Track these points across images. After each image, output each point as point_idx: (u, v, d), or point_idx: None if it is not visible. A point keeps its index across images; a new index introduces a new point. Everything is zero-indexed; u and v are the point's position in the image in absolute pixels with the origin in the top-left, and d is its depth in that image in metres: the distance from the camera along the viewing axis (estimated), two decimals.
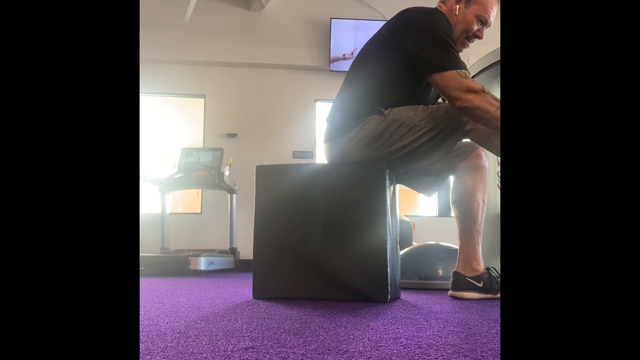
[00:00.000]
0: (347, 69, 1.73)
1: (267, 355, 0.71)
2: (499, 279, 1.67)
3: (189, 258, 3.46)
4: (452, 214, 1.74)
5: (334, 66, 4.98)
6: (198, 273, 3.57)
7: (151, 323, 1.03)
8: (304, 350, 0.74)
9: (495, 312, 1.25)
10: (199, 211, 4.92)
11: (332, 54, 4.98)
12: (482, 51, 2.39)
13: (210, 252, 3.87)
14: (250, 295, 1.70)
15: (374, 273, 1.50)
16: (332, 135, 1.68)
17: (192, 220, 4.87)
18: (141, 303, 1.45)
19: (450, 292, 1.68)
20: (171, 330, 0.93)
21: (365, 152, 1.61)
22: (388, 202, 1.56)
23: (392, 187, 1.65)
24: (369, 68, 1.63)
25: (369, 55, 1.65)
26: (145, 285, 2.33)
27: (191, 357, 0.70)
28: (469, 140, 1.69)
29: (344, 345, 0.78)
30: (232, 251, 4.14)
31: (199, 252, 3.65)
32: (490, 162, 1.91)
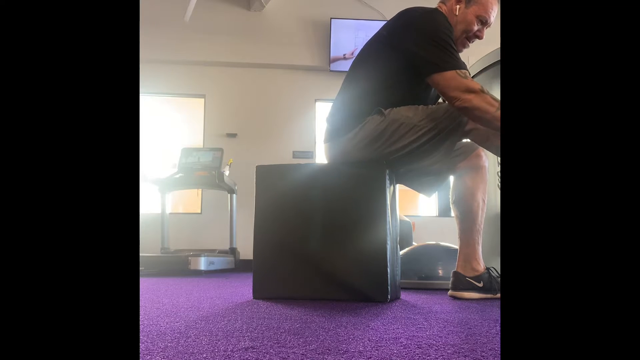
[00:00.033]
0: (347, 69, 1.73)
1: (267, 355, 0.71)
2: (499, 279, 1.67)
3: (189, 258, 3.46)
4: (452, 214, 1.74)
5: (334, 66, 4.98)
6: (198, 273, 3.57)
7: (151, 323, 1.03)
8: (304, 350, 0.74)
9: (495, 312, 1.25)
10: (199, 211, 4.92)
11: (332, 54, 4.98)
12: (482, 51, 2.39)
13: (210, 252, 3.87)
14: (250, 295, 1.70)
15: (374, 273, 1.50)
16: (332, 135, 1.68)
17: (192, 220, 4.87)
18: (141, 303, 1.45)
19: (450, 292, 1.68)
20: (171, 330, 0.93)
21: (365, 152, 1.61)
22: (388, 202, 1.56)
23: (392, 187, 1.65)
24: (369, 68, 1.63)
25: (369, 56, 1.65)
26: (145, 285, 2.33)
27: (191, 357, 0.70)
28: (468, 140, 1.69)
29: (344, 345, 0.78)
30: (232, 251, 4.14)
31: (199, 252, 3.65)
32: (490, 162, 1.91)
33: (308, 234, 1.58)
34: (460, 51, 1.66)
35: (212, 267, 3.63)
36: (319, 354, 0.72)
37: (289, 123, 5.02)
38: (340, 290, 1.52)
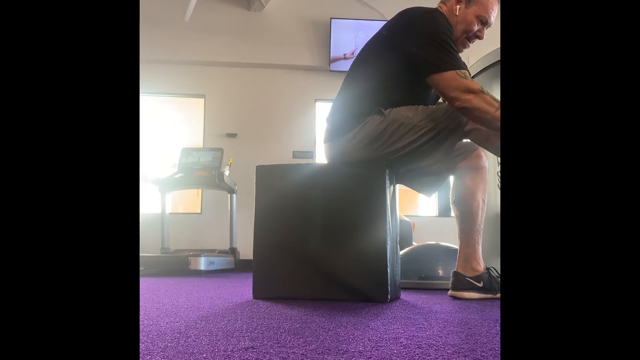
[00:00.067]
0: (347, 69, 1.73)
1: (267, 355, 0.71)
2: (499, 279, 1.67)
3: (189, 258, 3.46)
4: (452, 214, 1.74)
5: (334, 66, 4.98)
6: (198, 273, 3.57)
7: (151, 323, 1.03)
8: (304, 350, 0.74)
9: (495, 312, 1.25)
10: (199, 211, 4.92)
11: (332, 54, 4.98)
12: (482, 51, 2.39)
13: (210, 252, 3.87)
14: (250, 295, 1.70)
15: (374, 273, 1.50)
16: (332, 135, 1.68)
17: (192, 220, 4.87)
18: (141, 303, 1.45)
19: (450, 292, 1.68)
20: (171, 330, 0.93)
21: (365, 152, 1.61)
22: (388, 202, 1.56)
23: (392, 187, 1.65)
24: (369, 68, 1.63)
25: (369, 56, 1.65)
26: (145, 285, 2.33)
27: (191, 357, 0.70)
28: (468, 140, 1.69)
29: (344, 345, 0.78)
30: (232, 251, 4.14)
31: (199, 252, 3.65)
32: (490, 162, 1.91)
33: (308, 234, 1.58)
34: (461, 51, 1.66)
35: (212, 267, 3.63)
36: (319, 354, 0.72)
37: (289, 123, 5.02)
38: (340, 290, 1.52)
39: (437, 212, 5.16)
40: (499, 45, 1.76)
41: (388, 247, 1.52)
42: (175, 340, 0.83)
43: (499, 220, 2.01)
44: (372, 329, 0.96)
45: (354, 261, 1.52)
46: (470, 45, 1.70)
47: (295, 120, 5.03)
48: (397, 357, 0.71)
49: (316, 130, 5.05)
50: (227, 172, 4.16)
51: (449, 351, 0.75)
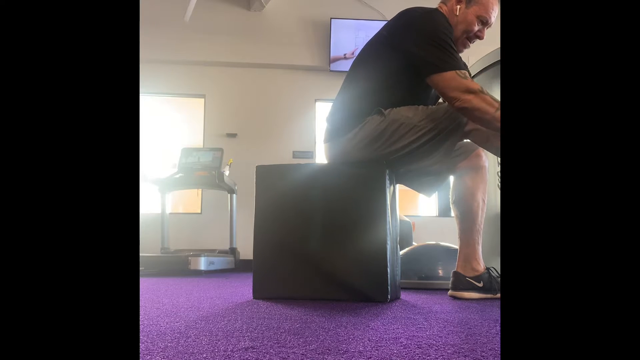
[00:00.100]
0: (347, 68, 1.73)
1: (267, 355, 0.71)
2: (499, 279, 1.67)
3: (189, 258, 3.46)
4: (452, 214, 1.74)
5: (334, 66, 4.98)
6: (198, 273, 3.57)
7: (151, 323, 1.03)
8: (304, 350, 0.74)
9: (495, 312, 1.25)
10: (199, 211, 4.92)
11: (332, 54, 4.98)
12: (482, 51, 2.39)
13: (210, 252, 3.87)
14: (250, 295, 1.70)
15: (374, 273, 1.50)
16: (332, 135, 1.68)
17: (192, 220, 4.87)
18: (141, 303, 1.45)
19: (450, 292, 1.68)
20: (171, 330, 0.93)
21: (365, 152, 1.61)
22: (388, 202, 1.56)
23: (392, 187, 1.65)
24: (369, 68, 1.63)
25: (369, 56, 1.65)
26: (145, 285, 2.33)
27: (191, 357, 0.70)
28: (468, 140, 1.69)
29: (344, 345, 0.78)
30: (232, 251, 4.14)
31: (199, 252, 3.65)
32: (490, 162, 1.91)
33: (308, 234, 1.58)
34: (461, 51, 1.66)
35: (212, 267, 3.63)
36: (319, 354, 0.72)
37: (289, 123, 5.02)
38: (340, 290, 1.52)
39: (437, 212, 5.16)
40: (499, 45, 1.76)
41: (388, 247, 1.52)
42: (175, 340, 0.83)
43: (499, 220, 2.01)
44: (372, 329, 0.96)
45: (354, 261, 1.52)
46: (471, 45, 1.70)
47: (295, 120, 5.03)
48: (397, 357, 0.71)
49: (316, 130, 5.05)
50: (227, 172, 4.16)
51: (449, 351, 0.75)
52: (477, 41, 1.70)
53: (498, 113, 1.41)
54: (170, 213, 4.44)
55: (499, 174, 2.09)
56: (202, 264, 3.46)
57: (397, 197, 1.74)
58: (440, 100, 1.81)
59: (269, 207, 1.64)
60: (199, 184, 4.09)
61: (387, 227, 1.53)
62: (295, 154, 4.95)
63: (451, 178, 1.76)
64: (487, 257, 1.85)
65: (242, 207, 4.47)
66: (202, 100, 5.05)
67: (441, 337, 0.87)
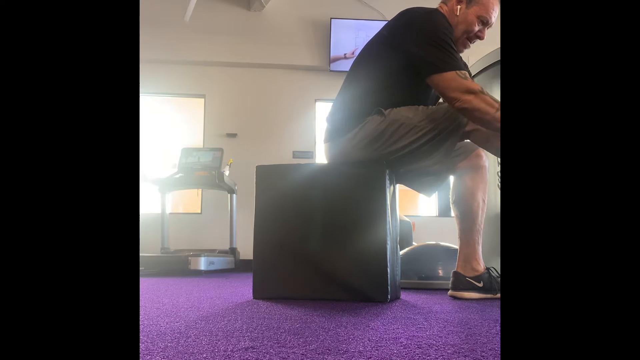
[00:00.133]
0: (347, 68, 1.73)
1: (267, 355, 0.71)
2: (499, 279, 1.67)
3: (189, 258, 3.46)
4: (452, 214, 1.74)
5: (334, 66, 4.98)
6: (198, 273, 3.57)
7: (151, 323, 1.03)
8: (304, 350, 0.74)
9: (495, 312, 1.25)
10: (199, 211, 4.92)
11: (332, 54, 4.98)
12: (482, 51, 2.39)
13: (210, 252, 3.87)
14: (250, 295, 1.70)
15: (374, 273, 1.50)
16: (332, 135, 1.68)
17: (192, 220, 4.87)
18: (141, 303, 1.45)
19: (450, 292, 1.68)
20: (171, 330, 0.93)
21: (365, 152, 1.61)
22: (388, 202, 1.56)
23: (392, 187, 1.65)
24: (369, 68, 1.63)
25: (369, 56, 1.65)
26: (145, 285, 2.33)
27: (191, 357, 0.70)
28: (468, 140, 1.69)
29: (344, 345, 0.78)
30: (232, 251, 4.14)
31: (199, 252, 3.65)
32: (490, 162, 1.91)
33: (308, 234, 1.58)
34: (461, 52, 1.66)
35: (212, 267, 3.63)
36: (319, 354, 0.72)
37: (289, 123, 5.02)
38: (340, 290, 1.52)
39: (437, 212, 5.16)
40: (499, 45, 1.76)
41: (388, 247, 1.52)
42: (175, 340, 0.83)
43: (499, 220, 2.01)
44: (372, 329, 0.96)
45: (354, 261, 1.52)
46: (471, 45, 1.70)
47: (295, 120, 5.03)
48: (397, 357, 0.71)
49: (316, 130, 5.05)
50: (227, 172, 4.16)
51: (449, 351, 0.75)
52: (477, 41, 1.70)
53: (498, 114, 1.41)
54: (170, 213, 4.44)
55: (499, 174, 2.09)
56: (202, 264, 3.46)
57: (397, 197, 1.74)
58: (441, 100, 1.81)
59: (269, 207, 1.64)
60: (199, 184, 4.09)
61: (387, 227, 1.53)
62: (295, 154, 4.95)
63: (451, 178, 1.76)
64: (487, 257, 1.85)
65: (242, 207, 4.47)
66: (202, 100, 5.05)
67: (441, 337, 0.87)
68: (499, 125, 1.41)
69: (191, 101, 5.17)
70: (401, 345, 0.79)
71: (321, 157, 4.81)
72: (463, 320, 1.09)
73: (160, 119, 5.19)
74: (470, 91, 1.44)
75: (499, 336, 0.88)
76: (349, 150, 1.64)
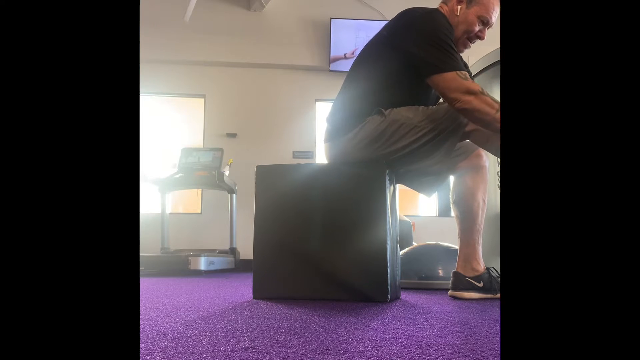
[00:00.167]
0: (347, 68, 1.74)
1: (267, 355, 0.71)
2: (499, 279, 1.67)
3: (189, 258, 3.46)
4: (452, 214, 1.74)
5: (334, 66, 4.98)
6: (198, 273, 3.57)
7: (151, 323, 1.03)
8: (304, 350, 0.74)
9: (495, 312, 1.25)
10: (199, 211, 4.93)
11: (332, 54, 4.98)
12: (482, 51, 2.39)
13: (210, 252, 3.87)
14: (250, 295, 1.70)
15: (374, 273, 1.50)
16: (332, 135, 1.68)
17: (192, 220, 4.87)
18: (141, 303, 1.45)
19: (450, 292, 1.68)
20: (171, 330, 0.93)
21: (365, 152, 1.61)
22: (388, 202, 1.56)
23: (392, 187, 1.65)
24: (369, 68, 1.63)
25: (369, 56, 1.65)
26: (145, 285, 2.33)
27: (191, 357, 0.70)
28: (469, 140, 1.69)
29: (344, 345, 0.78)
30: (232, 251, 4.14)
31: (199, 252, 3.65)
32: (490, 162, 1.91)
33: (308, 234, 1.58)
34: (462, 52, 1.66)
35: (212, 267, 3.63)
36: (319, 354, 0.72)
37: (289, 123, 5.02)
38: (340, 290, 1.52)
39: (437, 212, 5.16)
40: (499, 45, 1.76)
41: (388, 247, 1.52)
42: (175, 340, 0.83)
43: (499, 220, 2.01)
44: (372, 329, 0.96)
45: (354, 261, 1.52)
46: (471, 45, 1.70)
47: (295, 120, 5.03)
48: (397, 357, 0.71)
49: (316, 130, 5.05)
50: (227, 172, 4.16)
51: (449, 351, 0.75)
52: (477, 41, 1.70)
53: (498, 114, 1.41)
54: (170, 213, 4.44)
55: (499, 174, 2.09)
56: (202, 264, 3.47)
57: (397, 197, 1.74)
58: (441, 100, 1.81)
59: (269, 207, 1.64)
60: (199, 184, 4.09)
61: (387, 227, 1.53)
62: (295, 154, 4.95)
63: (451, 178, 1.76)
64: (487, 257, 1.85)
65: (242, 207, 4.47)
66: (202, 100, 5.05)
67: (441, 337, 0.87)
68: (499, 125, 1.41)
69: (191, 101, 5.17)
70: (401, 345, 0.79)
71: (321, 157, 4.82)
72: (463, 320, 1.09)
73: (160, 119, 5.19)
74: (471, 92, 1.44)
75: (499, 336, 0.88)
76: (349, 150, 1.64)
